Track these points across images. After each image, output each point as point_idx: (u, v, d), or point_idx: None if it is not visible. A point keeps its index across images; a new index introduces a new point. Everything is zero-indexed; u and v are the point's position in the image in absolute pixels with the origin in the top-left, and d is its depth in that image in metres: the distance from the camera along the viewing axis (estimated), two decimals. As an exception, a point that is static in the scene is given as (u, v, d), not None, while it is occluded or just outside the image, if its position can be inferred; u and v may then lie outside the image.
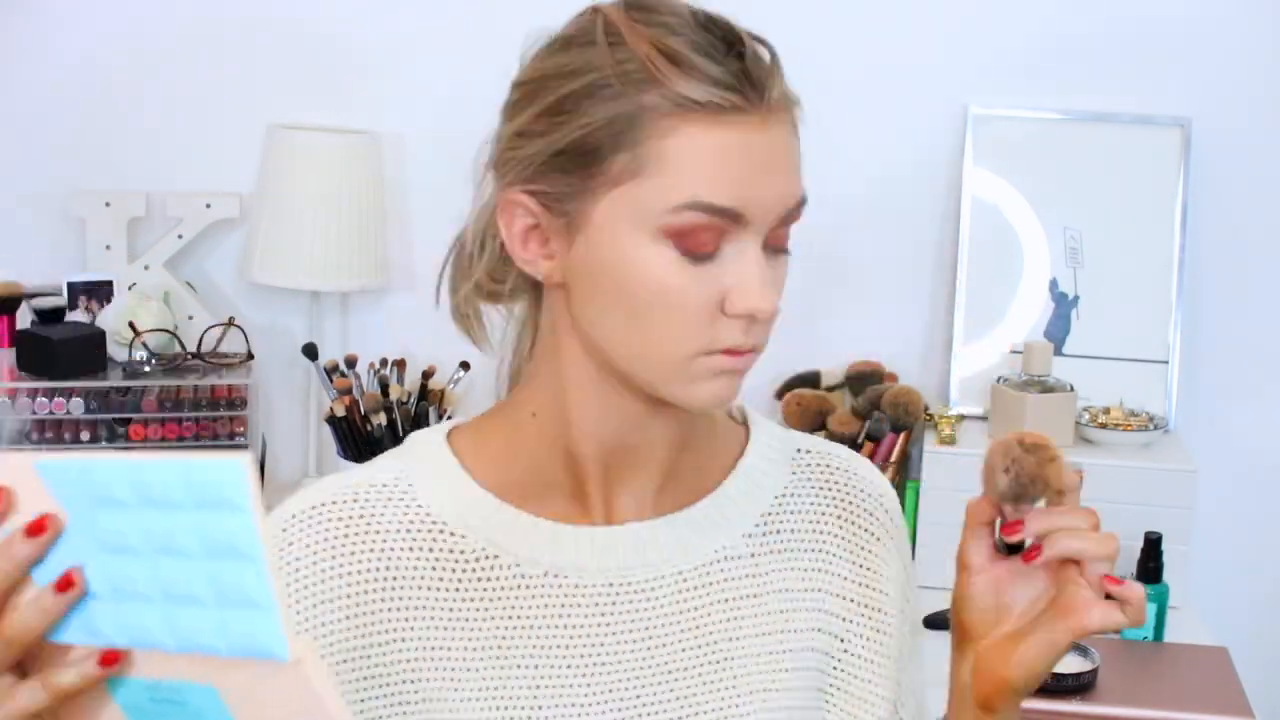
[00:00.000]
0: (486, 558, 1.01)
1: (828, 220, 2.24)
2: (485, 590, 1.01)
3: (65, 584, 0.77)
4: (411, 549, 1.01)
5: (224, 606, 0.75)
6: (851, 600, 1.09)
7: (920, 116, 2.15)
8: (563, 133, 0.96)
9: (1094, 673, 1.65)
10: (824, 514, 1.09)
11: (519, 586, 1.01)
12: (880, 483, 1.13)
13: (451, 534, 1.01)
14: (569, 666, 1.01)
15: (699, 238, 0.95)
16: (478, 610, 1.01)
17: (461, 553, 1.01)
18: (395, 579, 1.01)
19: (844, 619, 1.08)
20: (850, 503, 1.10)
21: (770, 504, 1.08)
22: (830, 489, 1.10)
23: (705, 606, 1.05)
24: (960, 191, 2.12)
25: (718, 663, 1.04)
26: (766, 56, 0.97)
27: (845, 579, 1.09)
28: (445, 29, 2.18)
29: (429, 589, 1.01)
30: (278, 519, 1.01)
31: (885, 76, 2.15)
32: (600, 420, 1.02)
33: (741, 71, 0.95)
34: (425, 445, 1.05)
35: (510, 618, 1.01)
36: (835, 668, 1.08)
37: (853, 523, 1.10)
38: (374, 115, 2.18)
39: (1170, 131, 2.10)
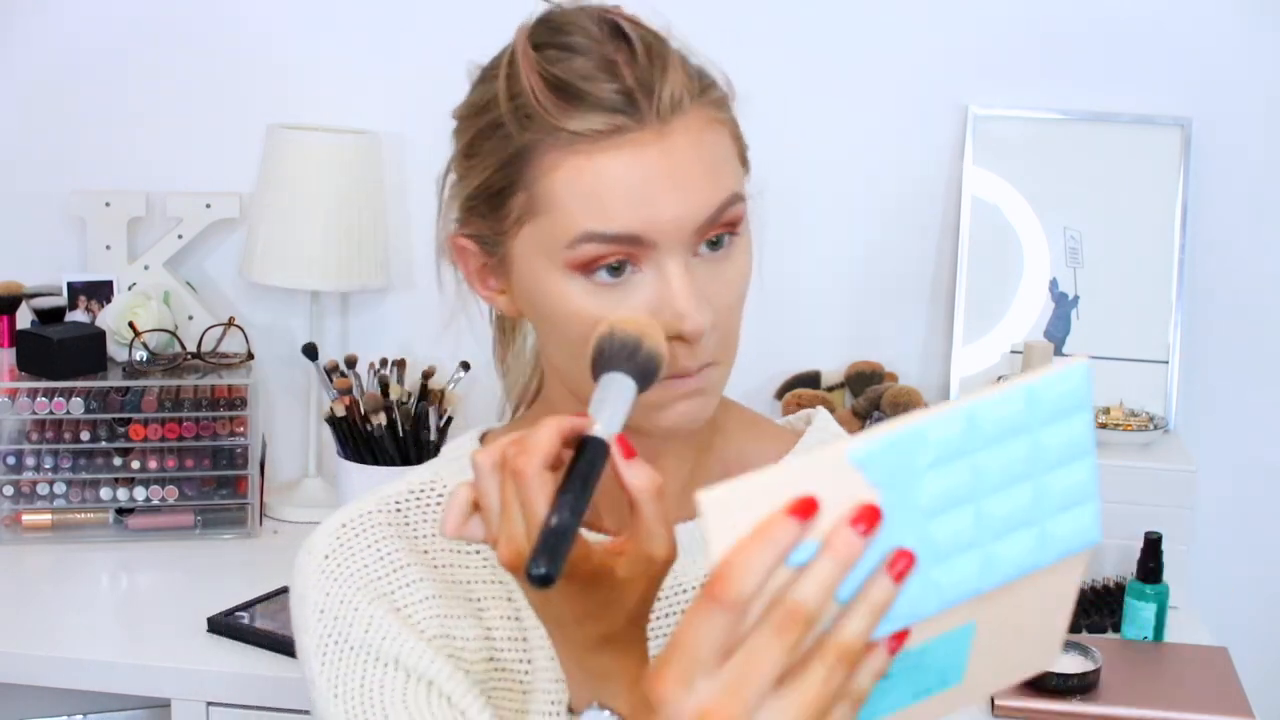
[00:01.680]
0: None
1: (828, 220, 2.25)
2: None
3: (903, 570, 0.71)
4: (454, 549, 1.02)
5: (1048, 517, 0.74)
6: None
7: (920, 116, 2.15)
8: (472, 177, 0.96)
9: (1095, 673, 1.65)
10: None
11: None
12: None
13: None
14: None
15: (606, 265, 0.91)
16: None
17: None
18: (446, 580, 1.01)
19: None
20: None
21: None
22: None
23: None
24: (960, 191, 2.12)
25: None
26: (660, 60, 0.91)
27: None
28: (446, 29, 2.17)
29: (479, 583, 1.02)
30: (327, 531, 1.02)
31: (885, 76, 2.15)
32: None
33: (627, 89, 0.89)
34: (457, 449, 1.07)
35: None
36: None
37: None
38: (374, 115, 2.18)
39: (1170, 131, 2.10)
